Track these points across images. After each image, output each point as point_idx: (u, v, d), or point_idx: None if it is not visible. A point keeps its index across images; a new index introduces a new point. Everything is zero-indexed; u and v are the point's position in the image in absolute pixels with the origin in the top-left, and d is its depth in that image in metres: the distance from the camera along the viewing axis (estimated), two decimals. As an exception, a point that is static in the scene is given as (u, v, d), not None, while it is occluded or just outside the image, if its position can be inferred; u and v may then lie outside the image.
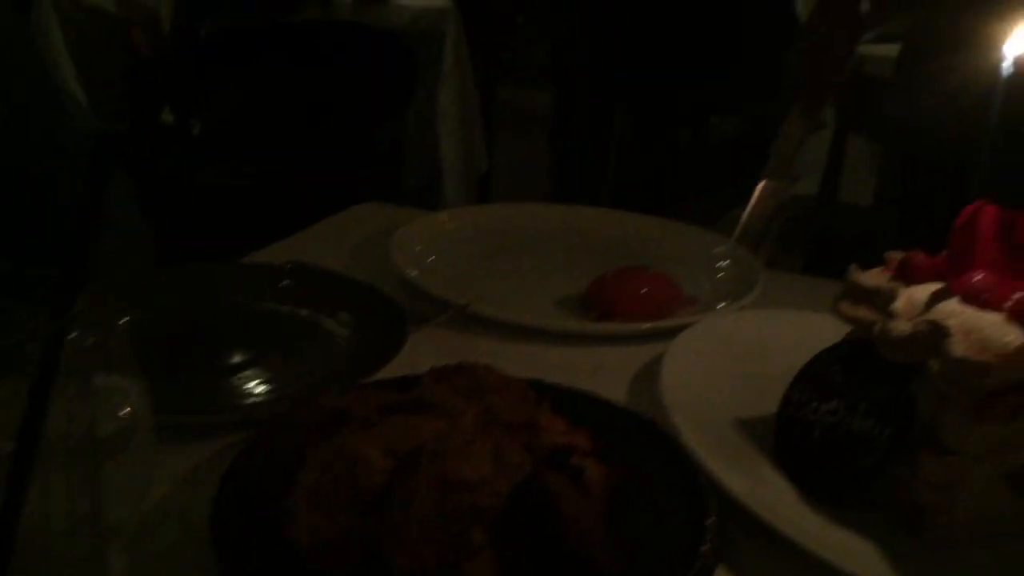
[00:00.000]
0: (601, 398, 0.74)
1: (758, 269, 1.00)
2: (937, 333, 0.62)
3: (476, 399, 0.71)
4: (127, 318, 0.58)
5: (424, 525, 0.54)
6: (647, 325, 0.90)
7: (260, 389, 0.79)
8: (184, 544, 0.61)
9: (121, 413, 0.57)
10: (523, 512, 0.57)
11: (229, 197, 2.53)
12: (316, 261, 1.00)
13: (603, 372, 0.85)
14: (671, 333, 0.87)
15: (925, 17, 1.22)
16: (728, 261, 1.03)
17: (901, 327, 0.64)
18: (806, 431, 0.69)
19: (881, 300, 0.67)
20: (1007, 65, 0.64)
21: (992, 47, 0.67)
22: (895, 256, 0.71)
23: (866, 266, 0.71)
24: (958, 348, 0.60)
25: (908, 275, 0.68)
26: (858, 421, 0.66)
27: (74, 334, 0.56)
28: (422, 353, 0.86)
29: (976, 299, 0.63)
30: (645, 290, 0.94)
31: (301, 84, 2.34)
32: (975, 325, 0.62)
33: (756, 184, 1.21)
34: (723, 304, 0.95)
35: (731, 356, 0.83)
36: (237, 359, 0.83)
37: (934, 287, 0.67)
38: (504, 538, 0.56)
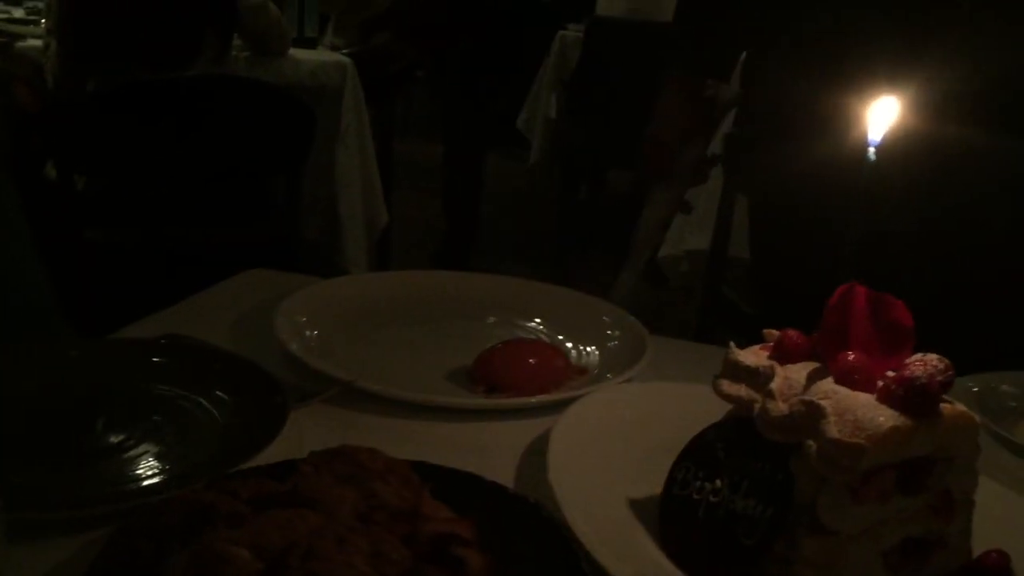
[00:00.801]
0: (486, 481, 0.72)
1: (645, 338, 1.01)
2: (813, 414, 0.62)
3: (357, 485, 0.69)
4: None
5: (294, 632, 0.51)
6: (535, 399, 0.89)
7: (131, 475, 0.75)
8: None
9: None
10: (402, 610, 0.55)
11: (118, 256, 2.45)
12: (195, 334, 0.97)
13: (491, 449, 0.84)
14: (560, 406, 0.87)
15: (780, 96, 1.26)
16: (617, 331, 1.04)
17: (779, 407, 0.65)
18: (690, 511, 0.68)
19: (760, 379, 0.68)
20: (871, 150, 0.65)
21: (852, 127, 0.69)
22: (772, 334, 0.72)
23: (746, 324, 0.72)
24: (833, 430, 0.61)
25: (784, 354, 0.69)
26: (740, 500, 0.66)
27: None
28: (306, 431, 0.84)
29: (849, 379, 0.64)
30: (533, 361, 0.93)
31: (194, 141, 2.29)
32: (849, 406, 0.62)
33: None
34: (611, 375, 0.95)
35: (619, 431, 0.83)
36: (104, 443, 0.78)
37: (811, 366, 0.68)
38: (382, 640, 0.54)
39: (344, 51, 3.49)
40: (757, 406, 0.67)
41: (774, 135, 1.25)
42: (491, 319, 1.06)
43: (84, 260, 2.33)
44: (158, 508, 0.60)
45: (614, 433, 0.82)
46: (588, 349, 1.02)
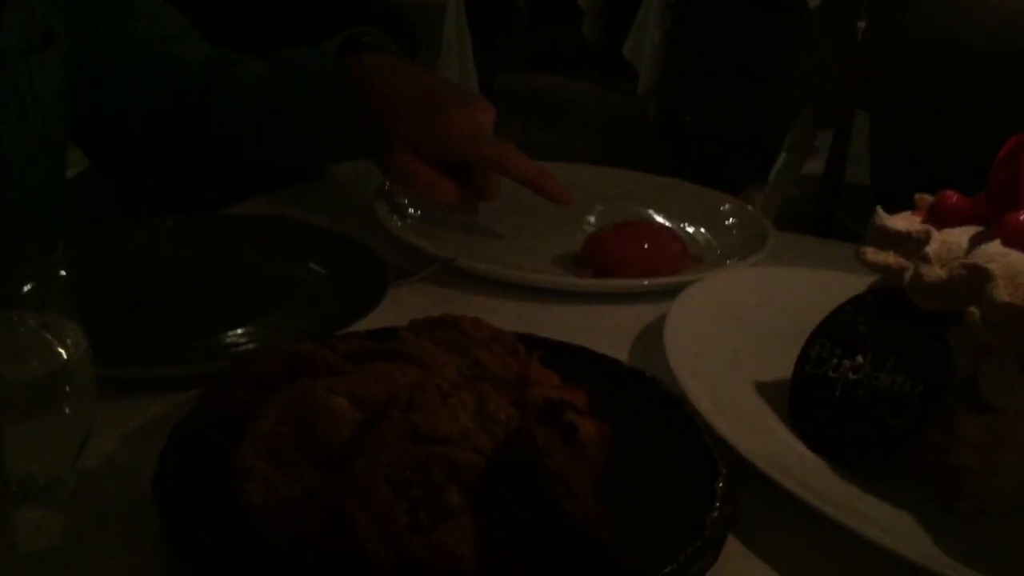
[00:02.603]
0: (598, 353, 0.67)
1: (768, 227, 0.93)
2: (978, 277, 0.55)
3: (460, 353, 0.65)
4: (63, 271, 0.51)
5: (393, 482, 0.47)
6: (648, 281, 0.83)
7: (226, 343, 0.72)
8: (127, 504, 0.54)
9: (44, 363, 0.51)
10: (508, 473, 0.50)
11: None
12: (298, 215, 0.93)
13: (601, 331, 0.78)
14: (675, 291, 0.81)
15: None
16: (736, 219, 0.96)
17: (936, 272, 0.57)
18: (826, 389, 0.62)
19: (912, 244, 0.60)
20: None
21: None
22: (926, 198, 0.64)
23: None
24: (1002, 293, 0.53)
25: (941, 217, 0.62)
26: (886, 377, 0.59)
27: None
28: (404, 307, 0.79)
29: (1021, 241, 0.56)
30: (646, 246, 0.87)
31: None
32: (1021, 268, 0.55)
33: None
34: (730, 262, 0.88)
35: (741, 314, 0.76)
36: (201, 319, 0.75)
37: (972, 230, 0.60)
38: (485, 501, 0.49)
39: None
40: (908, 273, 0.59)
41: None
42: (600, 207, 1.00)
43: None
44: (253, 357, 0.56)
45: (736, 317, 0.76)
46: (706, 238, 0.95)
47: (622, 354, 0.75)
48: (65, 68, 0.93)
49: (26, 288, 0.50)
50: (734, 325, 0.74)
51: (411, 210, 0.94)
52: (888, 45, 1.34)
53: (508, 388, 0.60)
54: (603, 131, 4.60)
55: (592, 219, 0.97)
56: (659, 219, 0.97)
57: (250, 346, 0.70)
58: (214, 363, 0.64)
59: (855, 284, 0.68)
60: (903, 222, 0.63)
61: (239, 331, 0.73)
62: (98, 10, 0.97)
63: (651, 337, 0.76)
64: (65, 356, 0.52)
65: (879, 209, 0.64)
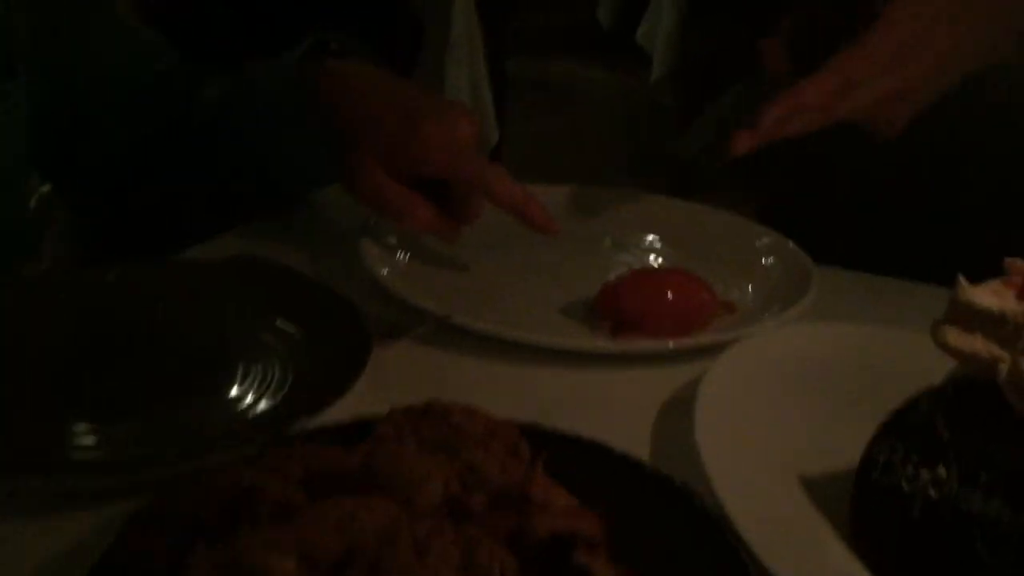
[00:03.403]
0: (617, 454, 0.55)
1: (810, 268, 0.81)
2: (1101, 382, 0.43)
3: (449, 454, 0.53)
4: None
5: None
6: (673, 344, 0.71)
7: (160, 430, 0.60)
8: None
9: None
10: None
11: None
12: (274, 253, 0.82)
13: (619, 406, 0.67)
14: (706, 352, 0.69)
15: None
16: (775, 258, 0.84)
17: (1043, 371, 0.45)
18: (900, 506, 0.50)
19: (1008, 329, 0.48)
20: None
21: None
22: (1019, 264, 0.52)
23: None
24: None
25: (1045, 293, 0.50)
26: (979, 499, 0.47)
27: None
28: (389, 374, 0.68)
29: None
30: (671, 295, 0.75)
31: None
32: None
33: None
34: (768, 314, 0.76)
35: (787, 389, 0.64)
36: (132, 392, 0.64)
37: (1085, 312, 0.48)
38: None
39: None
40: (1004, 367, 0.48)
41: None
42: (613, 242, 0.88)
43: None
44: (183, 491, 0.45)
45: (781, 391, 0.64)
46: (737, 280, 0.83)
47: (645, 432, 0.64)
48: (27, 100, 0.82)
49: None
50: (779, 404, 0.63)
51: (400, 253, 0.83)
52: None
53: (506, 506, 0.49)
54: (615, 119, 4.46)
55: (604, 262, 0.85)
56: (682, 258, 0.85)
57: (186, 443, 0.58)
58: (134, 474, 0.52)
59: (927, 349, 0.56)
60: (994, 298, 0.51)
61: (180, 409, 0.62)
62: (58, 42, 0.87)
63: (680, 412, 0.65)
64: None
65: (961, 280, 0.52)
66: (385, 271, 0.78)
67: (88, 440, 0.58)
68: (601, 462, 0.55)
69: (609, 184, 0.97)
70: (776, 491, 0.55)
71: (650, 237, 0.90)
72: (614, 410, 0.67)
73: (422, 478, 0.49)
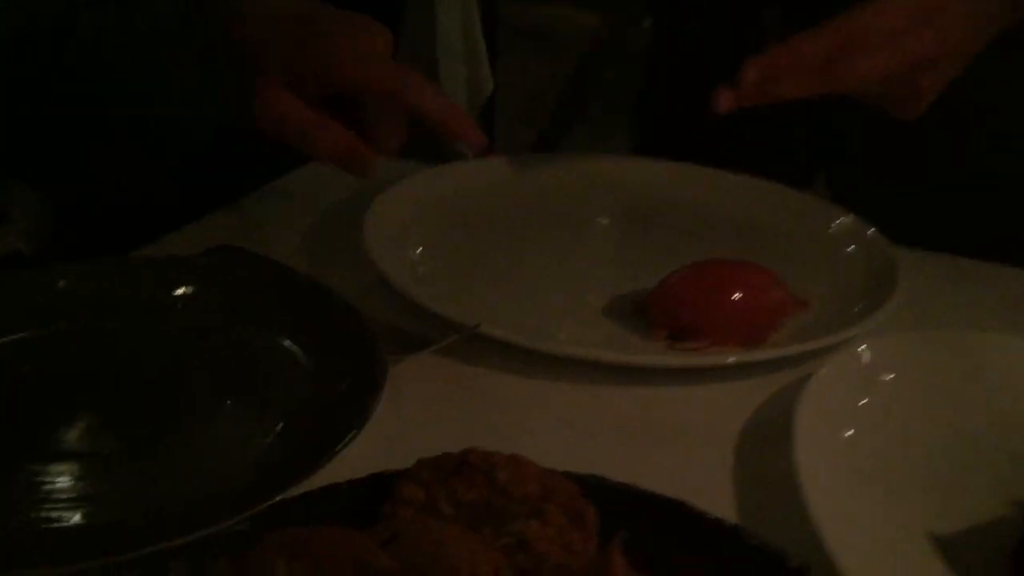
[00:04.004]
0: (709, 519, 0.43)
1: (892, 257, 0.70)
2: None
3: (495, 526, 0.42)
4: None
5: None
6: (734, 360, 0.59)
7: (108, 503, 0.47)
8: None
9: None
10: None
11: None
12: (254, 247, 0.70)
13: (685, 433, 0.56)
14: (785, 362, 0.58)
15: None
16: (854, 245, 0.72)
17: None
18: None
19: None
20: None
21: None
22: None
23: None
24: None
25: None
26: None
27: None
28: (406, 400, 0.56)
29: None
30: (739, 294, 0.63)
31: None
32: None
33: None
34: (853, 313, 0.64)
35: (907, 416, 0.53)
36: (78, 440, 0.51)
37: None
38: None
39: None
40: None
41: None
42: (656, 226, 0.76)
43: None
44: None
45: (898, 421, 0.53)
46: (808, 271, 0.71)
47: (724, 466, 0.52)
48: None
49: None
50: (900, 438, 0.51)
51: (409, 247, 0.70)
52: None
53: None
54: (614, 68, 4.30)
55: (649, 251, 0.73)
56: (744, 246, 0.73)
57: (143, 521, 0.45)
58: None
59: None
60: None
61: (135, 466, 0.49)
62: None
63: (764, 444, 0.53)
64: None
65: None
66: (392, 269, 0.65)
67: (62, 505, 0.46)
68: (691, 531, 0.43)
69: (608, 140, 0.84)
70: (905, 553, 0.44)
71: (701, 220, 0.78)
72: (679, 439, 0.55)
73: (467, 571, 0.38)
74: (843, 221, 0.74)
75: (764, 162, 0.83)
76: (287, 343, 0.58)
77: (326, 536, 0.38)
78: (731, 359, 0.59)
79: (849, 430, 0.51)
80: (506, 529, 0.42)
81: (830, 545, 0.42)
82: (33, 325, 0.57)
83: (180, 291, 0.61)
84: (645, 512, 0.44)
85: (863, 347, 0.56)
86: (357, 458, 0.47)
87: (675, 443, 0.54)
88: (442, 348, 0.59)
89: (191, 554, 0.40)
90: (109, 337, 0.58)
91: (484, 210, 0.77)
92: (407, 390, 0.57)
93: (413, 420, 0.55)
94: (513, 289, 0.68)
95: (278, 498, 0.43)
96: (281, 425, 0.51)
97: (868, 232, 0.72)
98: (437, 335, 0.59)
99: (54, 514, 0.45)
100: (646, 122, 1.09)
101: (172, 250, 0.69)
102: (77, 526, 0.44)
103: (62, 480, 0.47)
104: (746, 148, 0.85)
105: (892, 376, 0.55)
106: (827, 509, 0.44)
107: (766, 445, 0.53)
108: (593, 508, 0.43)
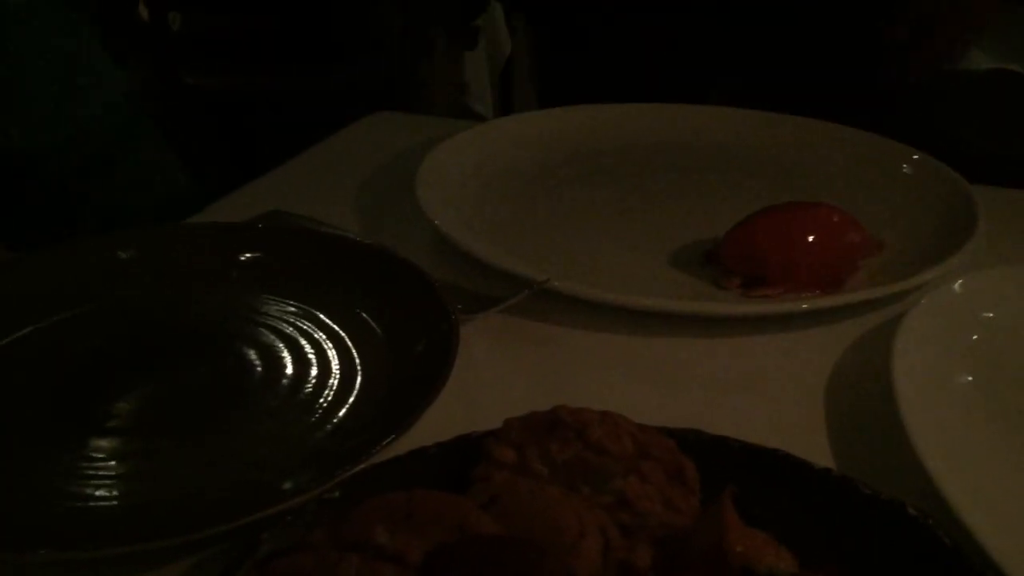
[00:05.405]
0: (817, 469, 0.41)
1: (969, 193, 0.67)
2: None
3: (594, 486, 0.41)
4: None
5: None
6: (836, 300, 0.57)
7: (161, 479, 0.45)
8: None
9: None
10: None
11: (222, 101, 2.18)
12: (309, 209, 0.68)
13: (772, 382, 0.53)
14: (869, 306, 0.56)
15: None
16: (932, 186, 0.69)
17: None
18: None
19: None
20: None
21: None
22: None
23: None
24: None
25: None
26: None
27: None
28: (480, 362, 0.54)
29: None
30: (814, 236, 0.61)
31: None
32: None
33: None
34: (932, 253, 0.61)
35: (1012, 352, 0.50)
36: (127, 417, 0.49)
37: None
38: None
39: None
40: None
41: None
42: (734, 173, 0.73)
43: (185, 109, 2.07)
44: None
45: (1002, 357, 0.50)
46: (882, 212, 0.68)
47: (818, 422, 0.50)
48: None
49: None
50: (1004, 377, 0.49)
51: (464, 203, 0.68)
52: None
53: (682, 557, 0.37)
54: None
55: (716, 197, 0.71)
56: (816, 189, 0.71)
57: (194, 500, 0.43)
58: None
59: None
60: None
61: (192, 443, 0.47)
62: None
63: (855, 390, 0.51)
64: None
65: None
66: (450, 225, 0.63)
67: (105, 482, 0.44)
68: (799, 483, 0.41)
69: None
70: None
71: (766, 165, 0.75)
72: (767, 391, 0.53)
73: (575, 531, 0.36)
74: (918, 159, 0.71)
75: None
76: (356, 309, 0.56)
77: (427, 501, 0.36)
78: (818, 304, 0.56)
79: (953, 370, 0.49)
80: (606, 488, 0.40)
81: (946, 491, 0.40)
82: (94, 297, 0.55)
83: (243, 257, 0.59)
84: (747, 465, 0.42)
85: (958, 283, 0.53)
86: (439, 422, 0.45)
87: (762, 392, 0.52)
88: (510, 305, 0.57)
89: (284, 525, 0.38)
90: (172, 306, 0.56)
91: (538, 163, 0.75)
92: (477, 350, 0.55)
93: (489, 380, 0.53)
94: (575, 242, 0.66)
95: (366, 464, 0.41)
96: (358, 391, 0.49)
97: (943, 170, 0.69)
98: (502, 292, 0.57)
99: (100, 492, 0.43)
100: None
101: (219, 218, 0.67)
102: (130, 505, 0.42)
103: (112, 458, 0.45)
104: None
105: (991, 314, 0.52)
106: (939, 453, 0.42)
107: (858, 391, 0.51)
108: (692, 463, 0.41)
